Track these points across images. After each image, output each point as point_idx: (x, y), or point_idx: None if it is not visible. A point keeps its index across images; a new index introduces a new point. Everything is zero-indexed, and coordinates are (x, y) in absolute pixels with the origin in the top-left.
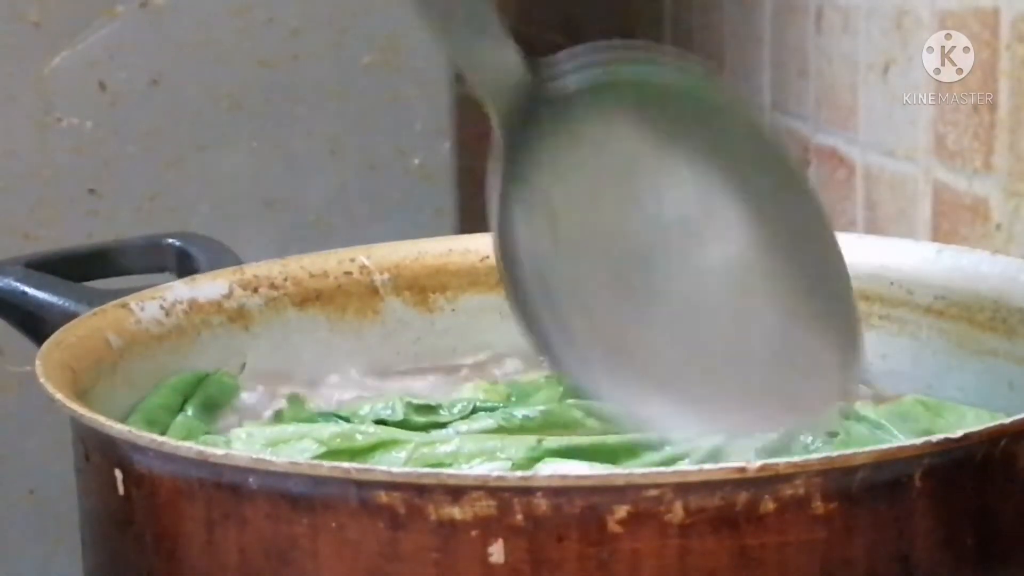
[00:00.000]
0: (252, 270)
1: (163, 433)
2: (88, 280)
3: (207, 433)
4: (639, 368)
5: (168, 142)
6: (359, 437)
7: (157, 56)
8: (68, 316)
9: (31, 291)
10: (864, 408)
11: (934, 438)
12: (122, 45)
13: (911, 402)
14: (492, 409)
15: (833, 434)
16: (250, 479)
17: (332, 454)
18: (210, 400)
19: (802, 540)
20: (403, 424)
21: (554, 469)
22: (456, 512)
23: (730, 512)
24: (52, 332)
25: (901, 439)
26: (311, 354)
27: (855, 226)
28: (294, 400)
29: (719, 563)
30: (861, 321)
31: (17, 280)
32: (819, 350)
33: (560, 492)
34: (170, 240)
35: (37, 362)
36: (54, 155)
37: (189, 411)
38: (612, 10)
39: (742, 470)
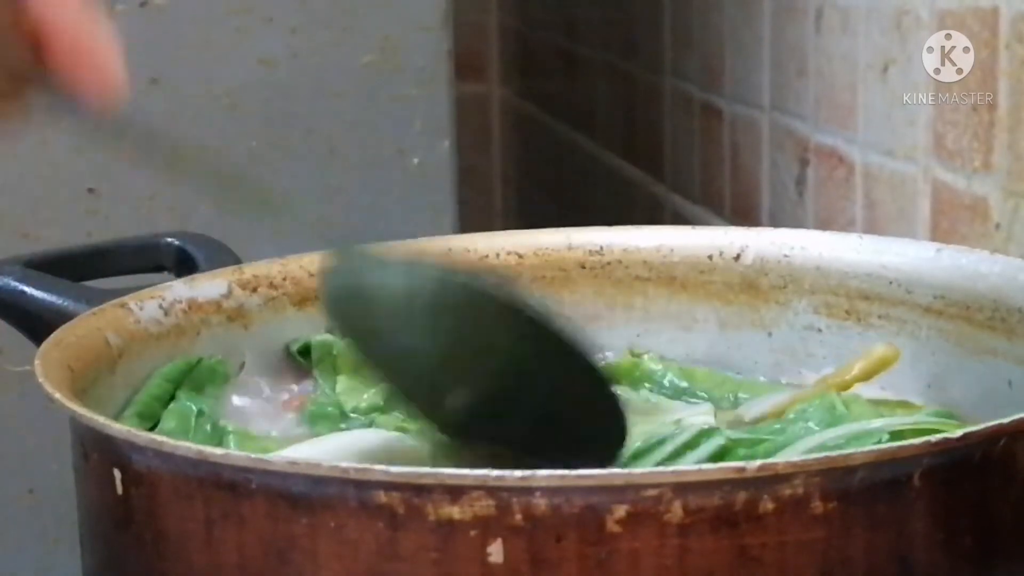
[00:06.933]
0: (251, 269)
1: (156, 424)
2: (87, 280)
3: (201, 414)
4: None
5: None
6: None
7: (156, 55)
8: (67, 316)
9: (30, 291)
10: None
11: (933, 438)
12: (121, 44)
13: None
14: None
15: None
16: (249, 478)
17: None
18: (200, 383)
19: (801, 540)
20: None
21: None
22: (455, 512)
23: (729, 512)
24: (51, 332)
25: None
26: None
27: (854, 225)
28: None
29: (718, 563)
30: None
31: (16, 280)
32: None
33: (559, 492)
34: (169, 239)
35: (36, 362)
36: (53, 154)
37: (182, 397)
38: (612, 10)
39: (741, 470)
